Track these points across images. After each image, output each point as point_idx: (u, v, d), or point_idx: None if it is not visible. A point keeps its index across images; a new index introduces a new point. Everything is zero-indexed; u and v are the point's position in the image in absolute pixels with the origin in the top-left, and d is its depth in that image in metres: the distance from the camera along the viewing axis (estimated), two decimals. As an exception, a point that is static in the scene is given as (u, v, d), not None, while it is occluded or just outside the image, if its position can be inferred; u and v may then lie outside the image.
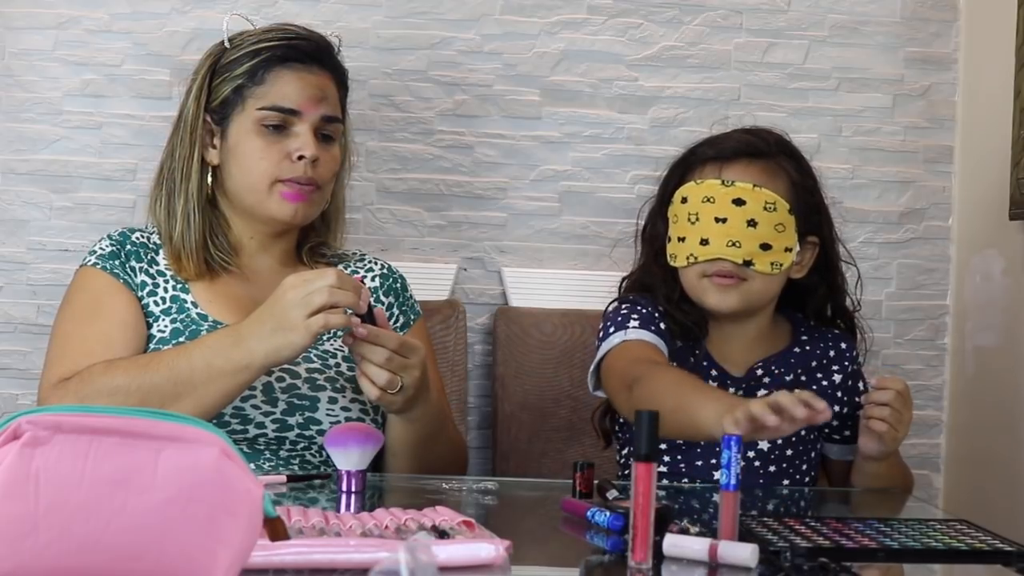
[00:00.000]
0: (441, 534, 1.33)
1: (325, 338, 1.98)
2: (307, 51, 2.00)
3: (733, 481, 1.38)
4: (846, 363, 2.01)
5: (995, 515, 2.27)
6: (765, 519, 1.52)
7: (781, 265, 1.91)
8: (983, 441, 2.41)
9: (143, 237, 2.02)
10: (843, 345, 2.02)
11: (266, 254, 2.04)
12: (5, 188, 2.37)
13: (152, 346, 1.92)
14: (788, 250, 1.91)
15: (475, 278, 2.44)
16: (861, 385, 2.01)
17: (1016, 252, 2.31)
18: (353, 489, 1.65)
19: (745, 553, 1.32)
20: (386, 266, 2.12)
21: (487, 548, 1.26)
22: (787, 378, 1.97)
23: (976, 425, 2.44)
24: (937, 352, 2.54)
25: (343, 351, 1.98)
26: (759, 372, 1.97)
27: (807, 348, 2.01)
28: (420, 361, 1.82)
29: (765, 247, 1.89)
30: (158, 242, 2.02)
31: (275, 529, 1.11)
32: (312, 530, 1.32)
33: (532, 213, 2.47)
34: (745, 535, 1.41)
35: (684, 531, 1.41)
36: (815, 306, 2.03)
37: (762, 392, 1.93)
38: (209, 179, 2.00)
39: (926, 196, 2.52)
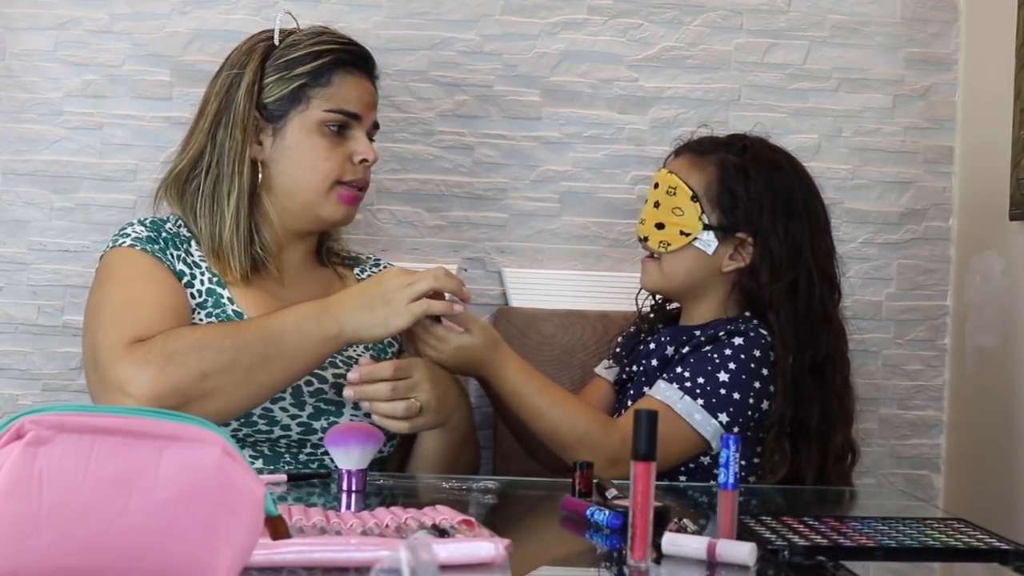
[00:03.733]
0: (441, 533, 1.33)
1: (351, 346, 2.01)
2: (363, 57, 2.05)
3: (731, 480, 1.39)
4: (699, 338, 1.99)
5: (995, 515, 2.27)
6: (763, 518, 1.52)
7: (668, 245, 2.01)
8: (983, 441, 2.41)
9: (175, 227, 1.99)
10: (720, 334, 1.98)
11: (292, 252, 2.06)
12: (6, 188, 2.37)
13: None
14: (684, 234, 2.00)
15: (475, 279, 2.44)
16: (679, 368, 1.96)
17: (1016, 252, 2.31)
18: (354, 488, 1.65)
19: (743, 551, 1.32)
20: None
21: (487, 547, 1.27)
22: (665, 351, 2.04)
23: (976, 425, 2.44)
24: (937, 352, 2.54)
25: (364, 356, 1.99)
26: (658, 342, 2.07)
27: (699, 330, 2.01)
28: (426, 375, 1.84)
29: (659, 226, 2.02)
30: (188, 235, 1.99)
31: (276, 528, 1.12)
32: (313, 529, 1.32)
33: (532, 214, 2.47)
34: (743, 534, 1.41)
35: (683, 530, 1.41)
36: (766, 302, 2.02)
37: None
38: (259, 176, 1.99)
39: (926, 197, 2.53)
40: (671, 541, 1.35)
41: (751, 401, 1.93)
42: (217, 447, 1.07)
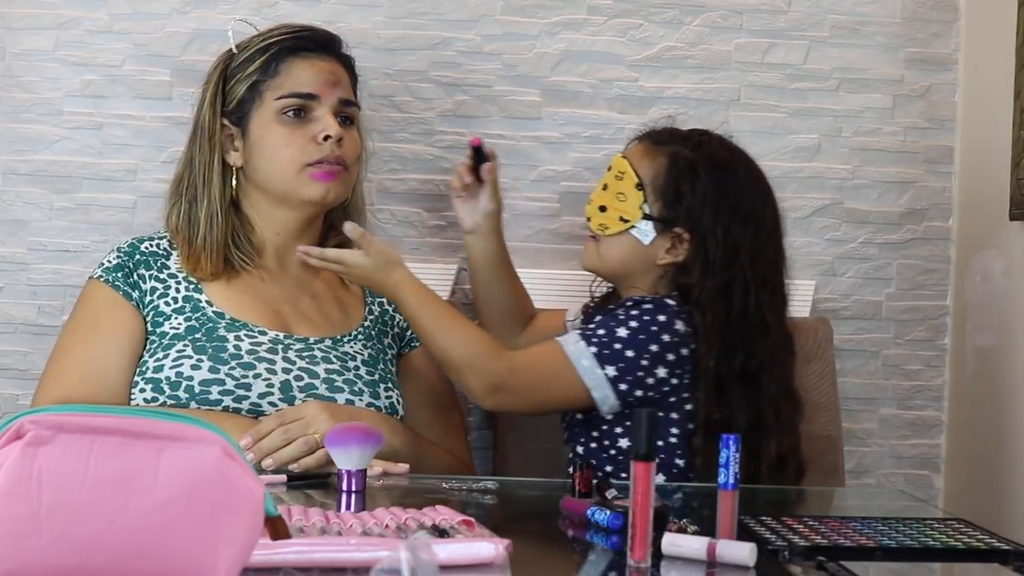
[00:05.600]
0: (441, 533, 1.33)
1: (346, 340, 2.02)
2: (315, 40, 2.08)
3: (731, 480, 1.39)
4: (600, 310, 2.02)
5: (995, 515, 2.27)
6: (763, 518, 1.52)
7: (607, 228, 2.01)
8: (983, 441, 2.41)
9: (152, 245, 2.07)
10: (629, 303, 1.99)
11: (291, 253, 2.08)
12: (5, 188, 2.37)
13: (166, 342, 1.96)
14: (624, 220, 2.00)
15: (475, 278, 2.44)
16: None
17: (1016, 252, 2.31)
18: (353, 488, 1.65)
19: (743, 552, 1.32)
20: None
21: (487, 547, 1.27)
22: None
23: (976, 425, 2.44)
24: (937, 352, 2.54)
25: (362, 355, 2.01)
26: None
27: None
28: (319, 409, 1.85)
29: (602, 209, 2.03)
30: (168, 248, 2.06)
31: (276, 528, 1.12)
32: (313, 529, 1.32)
33: (532, 213, 2.47)
34: (743, 534, 1.41)
35: (683, 530, 1.41)
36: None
37: None
38: (233, 181, 2.06)
39: (926, 197, 2.53)
40: (671, 541, 1.35)
41: (644, 363, 1.91)
42: (217, 447, 1.07)
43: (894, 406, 2.53)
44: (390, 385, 2.02)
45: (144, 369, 1.95)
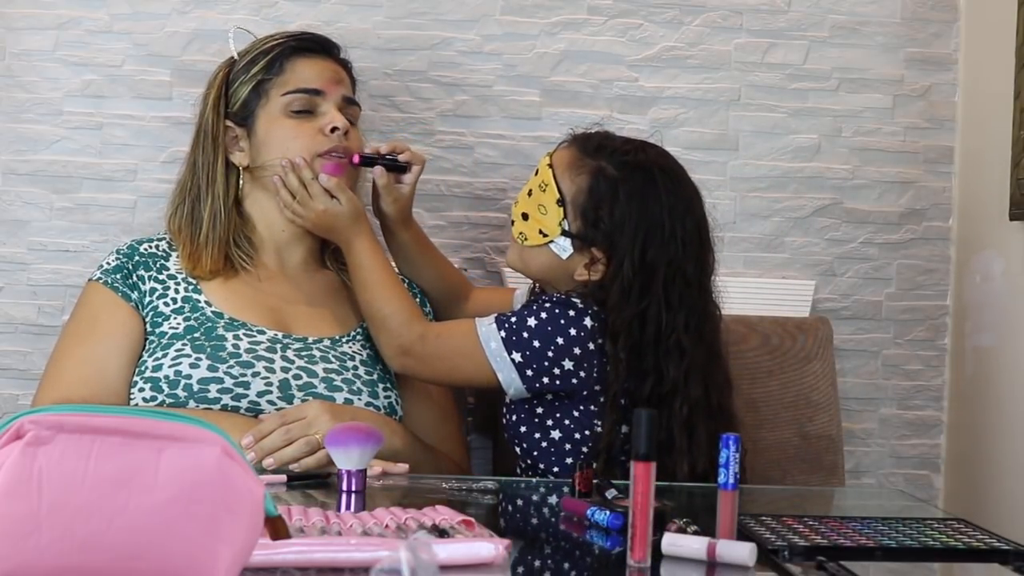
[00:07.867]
0: (441, 533, 1.33)
1: (344, 340, 2.02)
2: (317, 41, 2.13)
3: (731, 480, 1.39)
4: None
5: (995, 515, 2.27)
6: (763, 518, 1.52)
7: (526, 239, 2.00)
8: (983, 441, 2.41)
9: (152, 247, 2.09)
10: (544, 296, 2.01)
11: (292, 252, 2.11)
12: (5, 188, 2.37)
13: (165, 342, 1.97)
14: (543, 234, 1.99)
15: (475, 279, 2.44)
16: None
17: (1016, 252, 2.31)
18: (353, 488, 1.65)
19: (743, 552, 1.32)
20: (405, 281, 2.16)
21: (487, 547, 1.27)
22: None
23: (976, 425, 2.44)
24: (937, 352, 2.54)
25: (361, 355, 2.01)
26: None
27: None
28: (322, 410, 1.85)
29: (524, 216, 2.02)
30: (167, 249, 2.08)
31: (276, 528, 1.12)
32: (313, 529, 1.32)
33: (532, 213, 2.47)
34: (743, 534, 1.42)
35: (683, 530, 1.41)
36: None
37: None
38: (239, 181, 2.08)
39: (926, 197, 2.53)
40: (671, 541, 1.35)
41: (550, 354, 1.92)
42: (217, 447, 1.07)
43: (894, 406, 2.53)
44: (388, 385, 2.02)
45: (143, 368, 1.96)
